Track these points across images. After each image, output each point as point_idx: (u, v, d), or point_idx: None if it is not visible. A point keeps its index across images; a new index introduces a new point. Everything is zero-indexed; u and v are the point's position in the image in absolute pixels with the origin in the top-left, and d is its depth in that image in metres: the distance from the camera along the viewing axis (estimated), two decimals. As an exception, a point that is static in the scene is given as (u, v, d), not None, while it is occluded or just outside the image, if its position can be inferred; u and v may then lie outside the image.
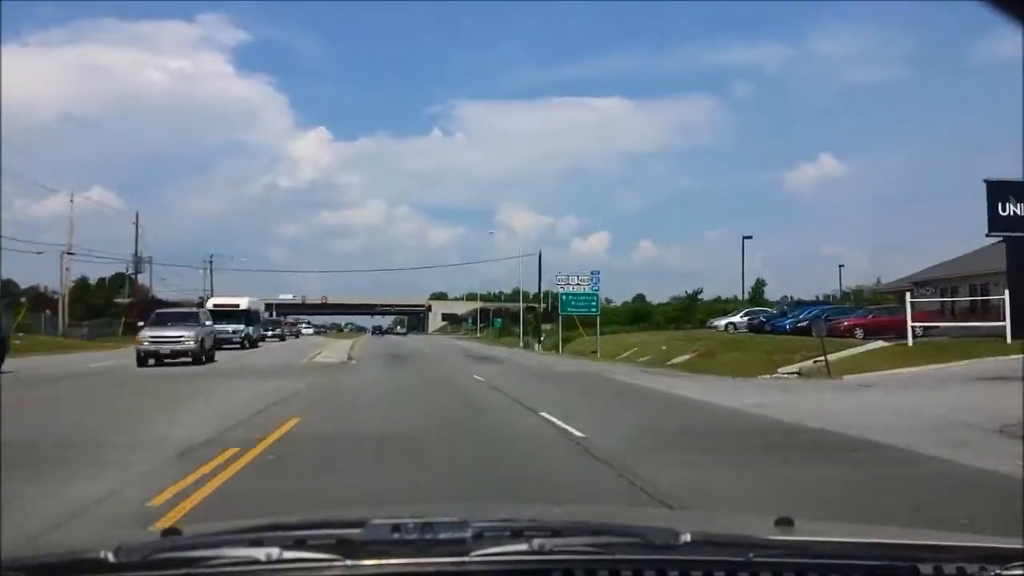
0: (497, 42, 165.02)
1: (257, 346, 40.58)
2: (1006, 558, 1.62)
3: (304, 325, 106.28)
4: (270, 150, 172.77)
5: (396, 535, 1.62)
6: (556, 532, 1.68)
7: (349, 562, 1.53)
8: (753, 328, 38.72)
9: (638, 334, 51.01)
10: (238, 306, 43.64)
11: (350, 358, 31.51)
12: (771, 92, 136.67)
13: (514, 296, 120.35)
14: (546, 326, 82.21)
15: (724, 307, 60.96)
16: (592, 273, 44.96)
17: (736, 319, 42.51)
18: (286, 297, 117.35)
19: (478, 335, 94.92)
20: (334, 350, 38.45)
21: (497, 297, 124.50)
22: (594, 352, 43.44)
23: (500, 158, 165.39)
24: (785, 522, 2.00)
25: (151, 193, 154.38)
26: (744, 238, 50.41)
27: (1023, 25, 1.53)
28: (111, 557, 1.55)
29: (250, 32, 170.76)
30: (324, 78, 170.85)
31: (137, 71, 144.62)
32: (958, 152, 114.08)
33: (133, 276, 69.28)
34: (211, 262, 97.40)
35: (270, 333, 57.50)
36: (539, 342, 57.81)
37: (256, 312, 46.92)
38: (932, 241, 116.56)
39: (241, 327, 40.61)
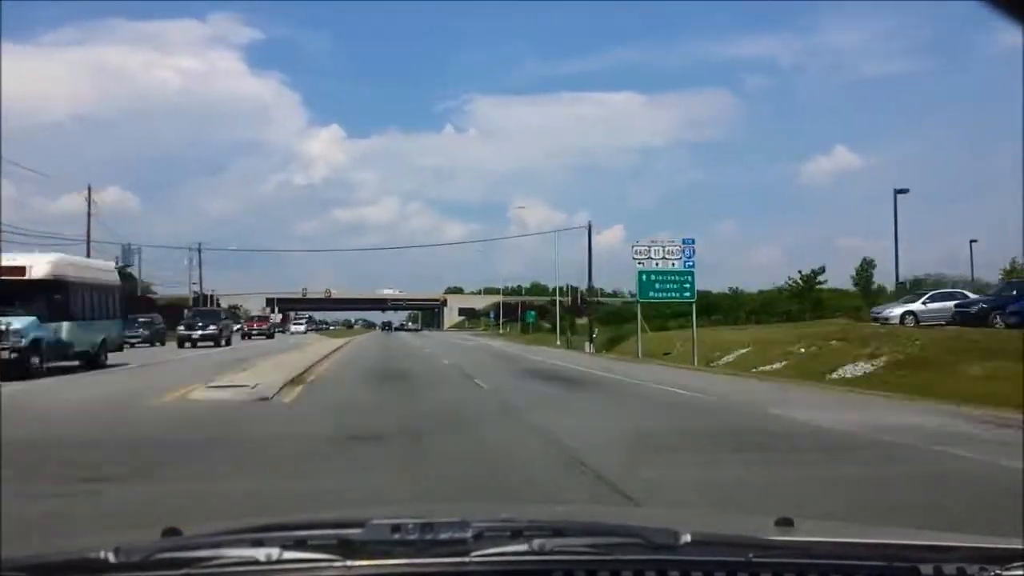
0: (509, 37, 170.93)
1: (100, 361, 22.30)
2: (1006, 558, 1.58)
3: (295, 321, 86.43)
4: (284, 148, 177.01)
5: (396, 535, 1.59)
6: (556, 532, 1.64)
7: (349, 562, 1.49)
8: (968, 320, 26.70)
9: (725, 329, 41.01)
10: (22, 272, 19.55)
11: (300, 379, 17.73)
12: (784, 85, 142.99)
13: (534, 290, 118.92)
14: (579, 321, 67.08)
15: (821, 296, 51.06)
16: (684, 242, 25.96)
17: (917, 306, 30.47)
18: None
19: (501, 331, 77.72)
20: (291, 360, 24.91)
21: (517, 291, 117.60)
22: (667, 354, 34.42)
23: (513, 153, 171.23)
24: (785, 522, 1.95)
25: (165, 192, 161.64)
26: (897, 192, 31.81)
27: (1023, 25, 1.48)
28: (111, 557, 1.52)
29: (262, 30, 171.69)
30: (336, 76, 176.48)
31: (150, 70, 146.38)
32: (971, 144, 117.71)
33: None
34: (199, 251, 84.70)
35: (199, 333, 40.74)
36: (591, 341, 46.13)
37: (93, 288, 22.54)
38: (946, 233, 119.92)
39: (25, 324, 18.48)
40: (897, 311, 30.03)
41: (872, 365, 21.96)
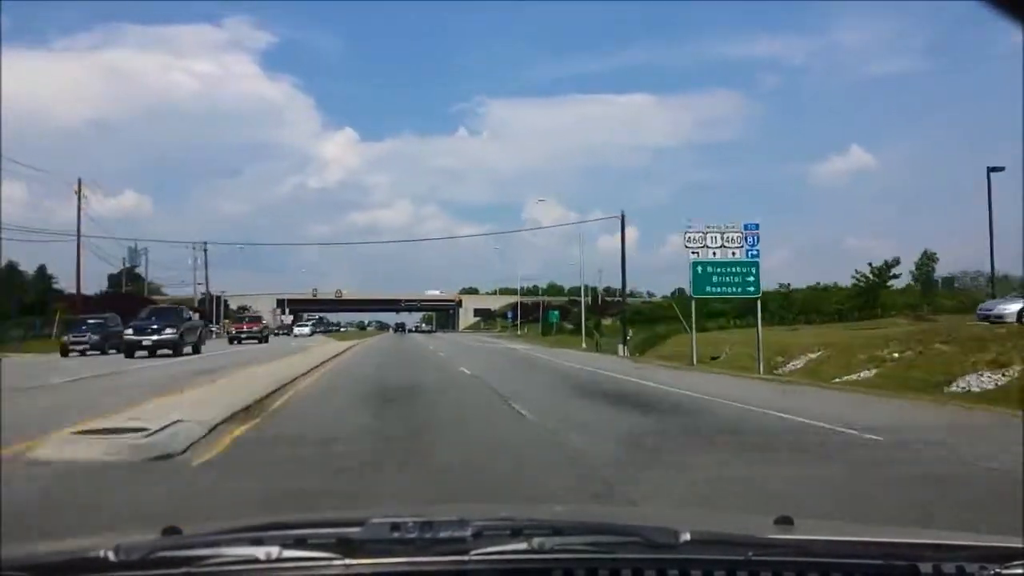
0: (521, 40, 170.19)
1: None
2: (1006, 557, 1.58)
3: (299, 323, 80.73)
4: (298, 151, 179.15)
5: (396, 534, 1.58)
6: (556, 531, 1.64)
7: (349, 561, 1.49)
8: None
9: (776, 330, 35.23)
10: None
11: (259, 406, 12.04)
12: (794, 85, 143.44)
13: (550, 290, 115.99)
14: (604, 322, 63.68)
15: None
16: (746, 227, 18.67)
17: None
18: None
19: (519, 333, 72.21)
20: (267, 374, 18.64)
21: (533, 291, 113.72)
22: (716, 358, 29.09)
23: (525, 155, 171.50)
24: (785, 521, 1.95)
25: (180, 195, 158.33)
26: (990, 170, 24.82)
27: (1023, 25, 1.49)
28: (111, 556, 1.52)
29: (275, 34, 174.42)
30: (349, 79, 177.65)
31: (165, 75, 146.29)
32: (984, 142, 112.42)
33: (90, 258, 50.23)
34: (205, 251, 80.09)
35: (151, 339, 30.96)
36: (624, 343, 40.74)
37: None
38: (963, 233, 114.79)
39: None
40: (1013, 307, 24.53)
41: (1004, 375, 17.63)
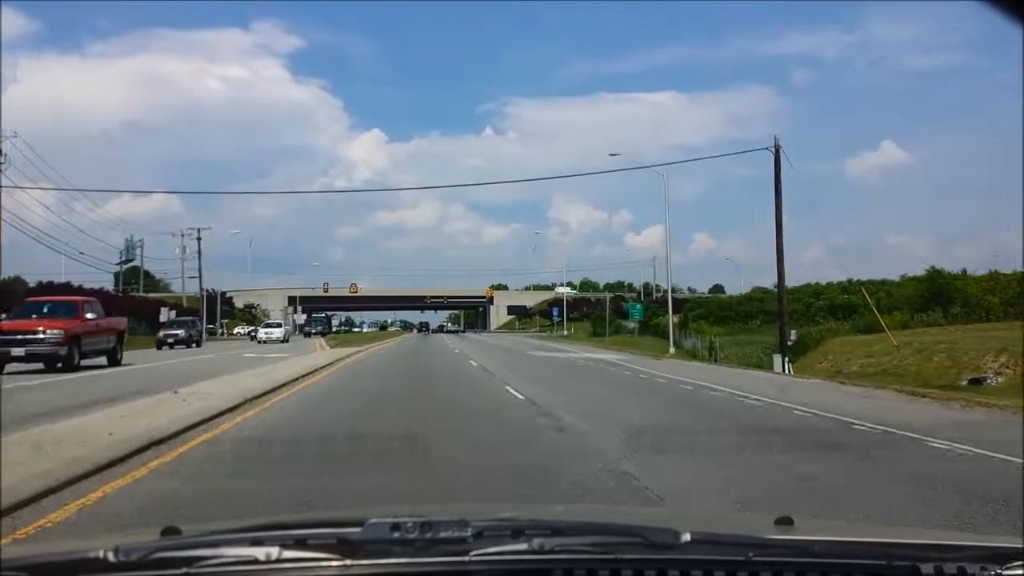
0: (548, 39, 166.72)
1: None
2: (1007, 557, 1.57)
3: (266, 323, 61.07)
4: (326, 153, 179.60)
5: (396, 534, 1.57)
6: (556, 531, 1.64)
7: (349, 561, 1.50)
8: None
9: (967, 329, 25.31)
10: None
11: None
12: (828, 81, 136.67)
13: (584, 287, 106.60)
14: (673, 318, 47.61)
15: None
16: None
17: None
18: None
19: (566, 333, 54.40)
20: None
21: (572, 287, 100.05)
22: (979, 381, 18.43)
23: (553, 154, 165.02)
24: (785, 521, 1.90)
25: (210, 199, 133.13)
26: None
27: (1023, 25, 1.48)
28: (111, 557, 1.52)
29: (304, 38, 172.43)
30: (377, 81, 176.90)
31: (196, 79, 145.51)
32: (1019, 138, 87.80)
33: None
34: (199, 239, 64.86)
35: None
36: (785, 355, 26.78)
37: None
38: (999, 228, 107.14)
39: None
40: None
41: None
